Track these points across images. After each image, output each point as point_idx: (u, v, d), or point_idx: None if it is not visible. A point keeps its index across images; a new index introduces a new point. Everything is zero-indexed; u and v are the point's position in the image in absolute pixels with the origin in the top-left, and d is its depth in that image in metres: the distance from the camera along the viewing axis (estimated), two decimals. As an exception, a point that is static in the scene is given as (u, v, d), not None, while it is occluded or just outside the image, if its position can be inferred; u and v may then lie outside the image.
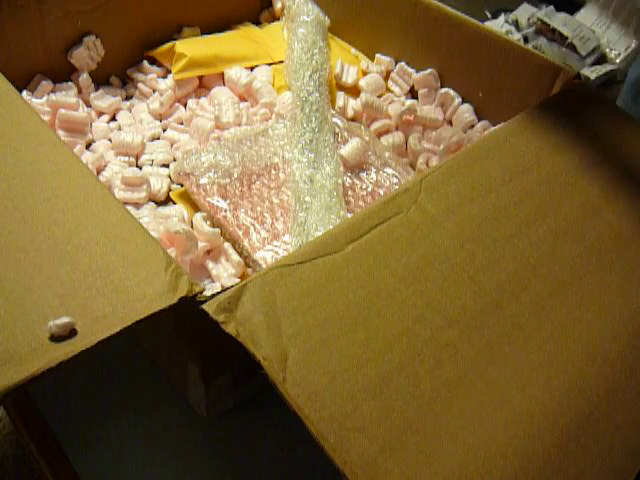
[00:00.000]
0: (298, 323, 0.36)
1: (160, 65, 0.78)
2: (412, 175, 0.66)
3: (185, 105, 0.74)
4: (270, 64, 0.78)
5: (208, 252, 0.57)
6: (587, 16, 1.21)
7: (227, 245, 0.57)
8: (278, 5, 0.86)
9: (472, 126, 0.72)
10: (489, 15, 1.18)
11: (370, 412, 0.34)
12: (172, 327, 0.45)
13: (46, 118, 0.66)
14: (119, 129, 0.71)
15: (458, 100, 0.73)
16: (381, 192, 0.64)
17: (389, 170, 0.66)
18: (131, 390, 0.51)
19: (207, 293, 0.37)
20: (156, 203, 0.64)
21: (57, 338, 0.34)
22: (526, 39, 1.30)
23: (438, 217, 0.44)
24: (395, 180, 0.65)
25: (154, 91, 0.75)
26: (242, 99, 0.74)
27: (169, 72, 0.76)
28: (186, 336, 0.44)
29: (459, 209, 0.45)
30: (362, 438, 0.33)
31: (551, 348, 0.39)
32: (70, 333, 0.34)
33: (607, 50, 1.22)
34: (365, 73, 0.78)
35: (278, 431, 0.49)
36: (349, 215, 0.59)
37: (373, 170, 0.66)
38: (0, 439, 0.88)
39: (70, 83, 0.72)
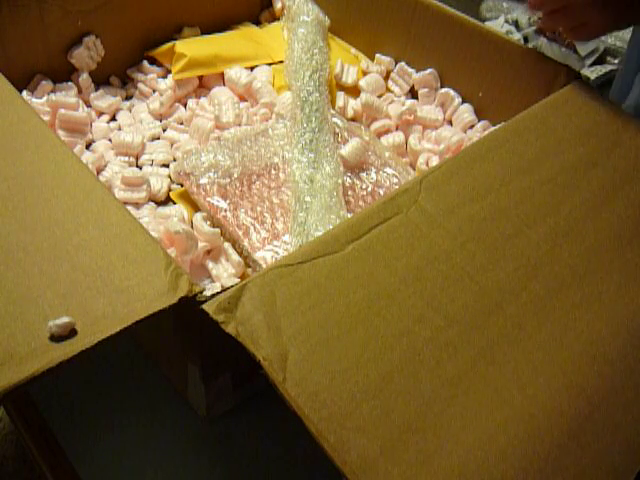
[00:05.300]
0: (298, 323, 0.36)
1: (160, 65, 0.78)
2: (412, 175, 0.66)
3: (185, 105, 0.74)
4: (270, 64, 0.78)
5: (208, 252, 0.57)
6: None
7: (227, 245, 0.57)
8: (278, 5, 0.86)
9: (472, 126, 0.72)
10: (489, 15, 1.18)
11: (370, 412, 0.34)
12: (172, 327, 0.45)
13: (46, 118, 0.66)
14: (119, 129, 0.71)
15: (458, 100, 0.73)
16: (381, 192, 0.64)
17: (389, 170, 0.66)
18: (131, 390, 0.51)
19: (207, 293, 0.37)
20: (156, 203, 0.63)
21: (57, 338, 0.34)
22: (526, 39, 1.30)
23: (438, 217, 0.44)
24: (395, 180, 0.65)
25: (154, 91, 0.75)
26: (242, 99, 0.74)
27: (169, 72, 0.76)
28: (186, 336, 0.44)
29: (459, 209, 0.45)
30: (362, 438, 0.33)
31: (551, 348, 0.39)
32: (70, 333, 0.34)
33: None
34: (365, 73, 0.78)
35: (278, 431, 0.49)
36: (349, 215, 0.59)
37: (373, 170, 0.66)
38: (0, 439, 0.88)
39: (70, 83, 0.72)
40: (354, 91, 0.76)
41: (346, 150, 0.65)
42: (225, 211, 0.60)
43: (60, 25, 0.69)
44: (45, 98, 0.67)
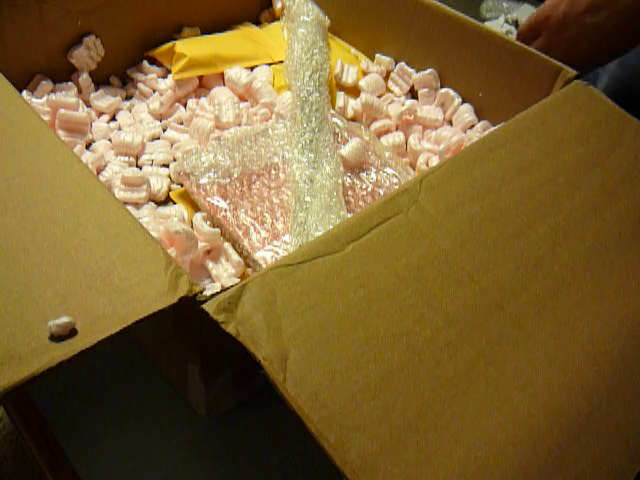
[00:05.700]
0: (298, 323, 0.36)
1: (160, 65, 0.77)
2: (412, 175, 0.66)
3: (185, 105, 0.74)
4: (270, 64, 0.78)
5: (208, 252, 0.57)
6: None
7: (227, 245, 0.57)
8: (278, 5, 0.86)
9: (472, 126, 0.72)
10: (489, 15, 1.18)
11: (370, 412, 0.34)
12: (172, 327, 0.45)
13: (46, 118, 0.65)
14: (119, 129, 0.71)
15: (458, 100, 0.73)
16: (381, 192, 0.64)
17: (389, 170, 0.66)
18: (131, 390, 0.51)
19: (207, 293, 0.37)
20: (156, 203, 0.63)
21: (57, 338, 0.34)
22: (526, 39, 1.29)
23: (438, 217, 0.44)
24: (395, 180, 0.65)
25: (154, 91, 0.75)
26: (242, 99, 0.74)
27: (169, 72, 0.76)
28: (186, 336, 0.44)
29: (459, 209, 0.45)
30: (362, 438, 0.33)
31: (551, 348, 0.39)
32: (70, 333, 0.34)
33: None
34: (365, 73, 0.78)
35: (278, 431, 0.49)
36: (349, 215, 0.59)
37: (373, 170, 0.66)
38: (0, 439, 0.88)
39: (70, 83, 0.72)
40: (354, 91, 0.76)
41: (346, 150, 0.65)
42: (225, 211, 0.60)
43: (60, 25, 0.69)
44: (45, 98, 0.67)
